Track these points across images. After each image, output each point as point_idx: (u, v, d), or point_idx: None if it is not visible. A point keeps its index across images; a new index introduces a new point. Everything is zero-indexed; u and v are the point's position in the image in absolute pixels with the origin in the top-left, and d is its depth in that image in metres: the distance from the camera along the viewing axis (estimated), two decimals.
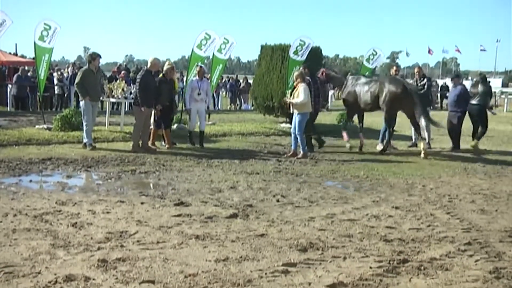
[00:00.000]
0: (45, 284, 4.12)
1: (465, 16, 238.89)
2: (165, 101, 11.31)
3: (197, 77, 12.15)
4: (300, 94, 10.80)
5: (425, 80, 13.03)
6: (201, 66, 12.46)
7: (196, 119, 12.05)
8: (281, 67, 16.09)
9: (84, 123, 11.04)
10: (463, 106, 12.70)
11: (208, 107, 12.64)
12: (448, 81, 42.28)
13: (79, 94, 11.33)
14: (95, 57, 11.16)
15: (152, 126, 11.51)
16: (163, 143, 11.75)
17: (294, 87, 11.20)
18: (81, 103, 11.10)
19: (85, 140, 11.01)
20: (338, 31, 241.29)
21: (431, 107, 13.11)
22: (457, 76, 13.85)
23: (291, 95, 11.20)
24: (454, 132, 12.77)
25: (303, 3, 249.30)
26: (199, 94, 11.84)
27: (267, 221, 6.10)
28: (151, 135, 11.57)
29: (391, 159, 11.19)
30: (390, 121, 12.03)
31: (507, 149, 13.29)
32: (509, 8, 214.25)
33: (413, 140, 13.16)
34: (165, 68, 11.77)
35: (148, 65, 11.52)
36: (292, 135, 11.20)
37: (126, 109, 15.62)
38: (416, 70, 13.87)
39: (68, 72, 22.24)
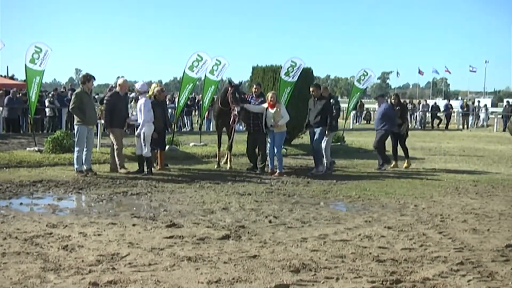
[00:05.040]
0: None
1: (454, 38, 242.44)
2: (160, 124, 11.26)
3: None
4: (284, 114, 11.18)
5: (324, 101, 11.63)
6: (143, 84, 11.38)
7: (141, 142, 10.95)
8: (272, 88, 16.18)
9: (76, 149, 10.54)
10: (387, 124, 12.61)
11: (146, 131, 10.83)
12: (439, 102, 42.83)
13: (78, 118, 10.49)
14: (89, 78, 10.64)
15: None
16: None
17: (267, 108, 11.31)
18: (76, 127, 10.61)
19: (75, 167, 10.56)
20: (329, 52, 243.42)
21: (331, 130, 12.00)
22: (381, 96, 13.65)
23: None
24: (379, 149, 12.68)
25: (294, 25, 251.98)
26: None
27: (260, 242, 6.08)
28: (159, 158, 11.58)
29: (383, 179, 11.22)
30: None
31: (497, 168, 13.36)
32: (497, 31, 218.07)
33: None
34: (155, 90, 11.48)
35: (117, 87, 11.44)
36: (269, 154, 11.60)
37: None
38: (311, 89, 11.98)
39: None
